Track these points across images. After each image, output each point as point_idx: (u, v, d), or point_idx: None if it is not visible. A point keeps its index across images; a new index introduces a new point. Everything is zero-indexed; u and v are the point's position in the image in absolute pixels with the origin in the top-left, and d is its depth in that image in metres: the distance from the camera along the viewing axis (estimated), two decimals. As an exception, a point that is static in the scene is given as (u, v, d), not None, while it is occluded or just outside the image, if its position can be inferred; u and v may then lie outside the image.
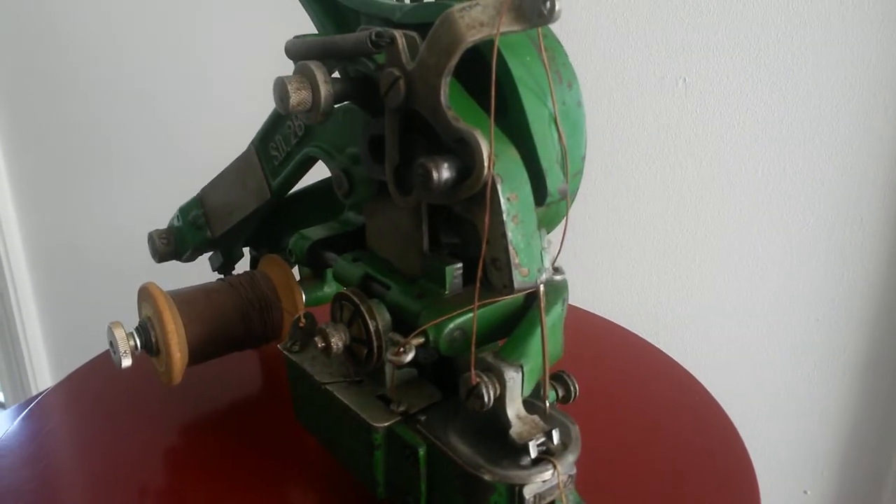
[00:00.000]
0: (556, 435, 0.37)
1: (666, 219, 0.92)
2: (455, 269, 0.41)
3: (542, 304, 0.35)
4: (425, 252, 0.42)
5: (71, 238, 1.28)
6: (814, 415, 0.95)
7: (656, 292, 0.96)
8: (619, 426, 0.57)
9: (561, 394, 0.45)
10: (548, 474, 0.36)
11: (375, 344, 0.40)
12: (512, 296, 0.36)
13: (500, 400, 0.37)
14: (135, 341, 0.54)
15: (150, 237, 0.65)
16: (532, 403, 0.40)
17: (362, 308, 0.40)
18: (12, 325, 1.30)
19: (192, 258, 0.65)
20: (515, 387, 0.37)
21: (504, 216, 0.33)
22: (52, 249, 1.31)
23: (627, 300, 0.97)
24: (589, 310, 0.74)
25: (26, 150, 1.27)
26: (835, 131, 0.83)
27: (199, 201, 0.61)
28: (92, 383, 0.63)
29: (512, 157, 0.35)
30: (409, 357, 0.38)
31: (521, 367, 0.37)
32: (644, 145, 0.91)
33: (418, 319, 0.40)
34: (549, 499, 0.37)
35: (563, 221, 0.40)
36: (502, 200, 0.33)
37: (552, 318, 0.41)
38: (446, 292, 0.41)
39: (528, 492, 0.36)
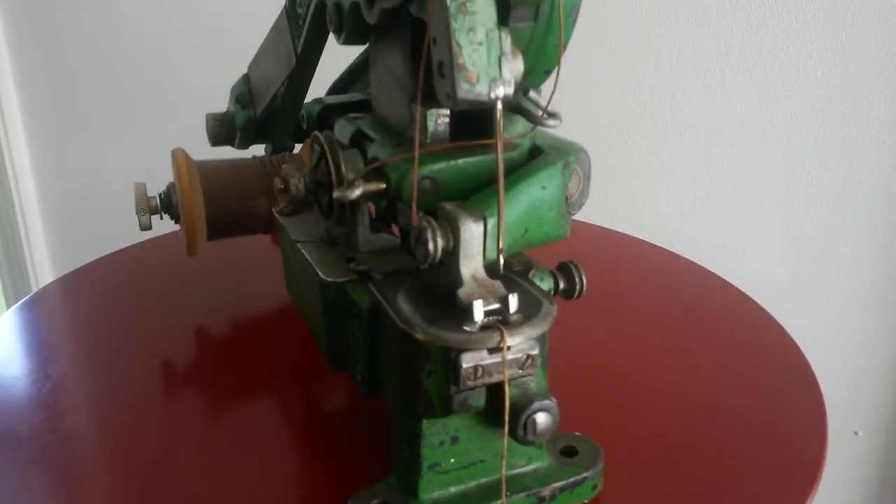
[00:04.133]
0: (513, 302, 0.31)
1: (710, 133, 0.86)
2: (438, 115, 0.35)
3: (498, 126, 0.29)
4: (411, 99, 0.36)
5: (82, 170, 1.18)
6: (867, 349, 0.89)
7: (699, 214, 0.90)
8: (679, 351, 0.50)
9: (563, 286, 0.38)
10: (493, 342, 0.30)
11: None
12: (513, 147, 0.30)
13: (454, 255, 0.31)
14: (156, 203, 0.53)
15: (207, 118, 0.64)
16: (515, 282, 0.34)
17: (325, 146, 0.36)
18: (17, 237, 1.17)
19: (243, 145, 0.64)
20: (473, 241, 0.31)
21: (448, 1, 0.27)
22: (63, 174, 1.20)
23: (668, 223, 0.92)
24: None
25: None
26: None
27: (245, 78, 0.60)
28: (91, 280, 0.61)
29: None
30: (356, 193, 0.33)
31: (484, 219, 0.31)
32: (690, 58, 0.84)
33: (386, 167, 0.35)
34: (494, 376, 0.30)
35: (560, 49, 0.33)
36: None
37: (544, 179, 0.34)
38: (427, 140, 0.36)
39: (467, 360, 0.30)
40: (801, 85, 0.83)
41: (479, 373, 0.30)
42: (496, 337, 0.30)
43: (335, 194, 0.33)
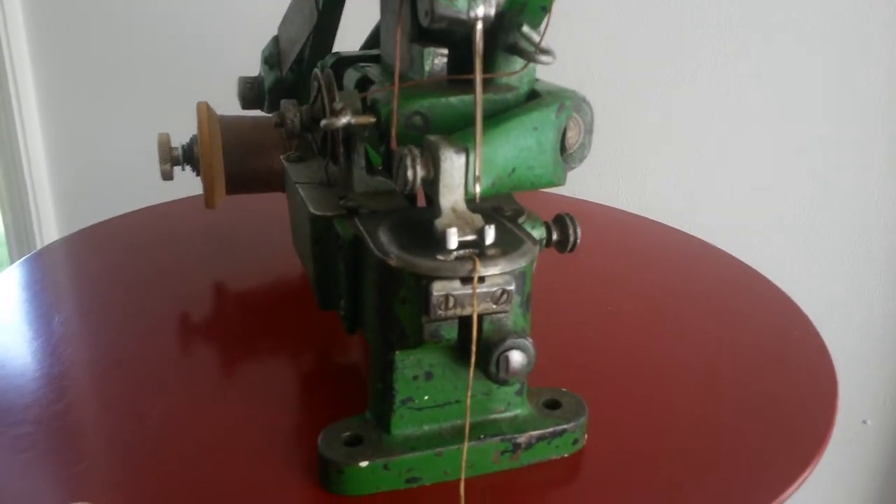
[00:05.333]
0: (489, 233, 0.30)
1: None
2: (435, 54, 0.35)
3: (477, 47, 0.28)
4: (411, 38, 0.36)
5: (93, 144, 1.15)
6: (876, 338, 0.88)
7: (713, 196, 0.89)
8: (696, 330, 0.48)
9: (556, 237, 0.38)
10: (465, 271, 0.29)
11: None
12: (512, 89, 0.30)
13: (434, 185, 0.31)
14: (178, 153, 0.54)
15: (238, 81, 0.65)
16: (499, 221, 0.33)
17: (322, 82, 0.36)
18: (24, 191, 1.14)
19: (272, 108, 0.65)
20: (454, 172, 0.31)
21: (428, -83, 0.27)
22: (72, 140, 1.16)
23: (677, 204, 0.91)
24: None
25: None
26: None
27: (275, 40, 0.60)
28: (106, 236, 0.61)
29: None
30: (342, 121, 0.33)
31: (467, 150, 0.31)
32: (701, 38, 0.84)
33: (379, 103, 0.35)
34: (467, 308, 0.30)
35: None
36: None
37: (536, 120, 0.33)
38: (423, 78, 0.35)
39: (437, 289, 0.29)
40: (822, 62, 0.82)
41: (451, 303, 0.30)
42: (468, 266, 0.29)
43: (322, 122, 0.33)
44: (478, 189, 0.30)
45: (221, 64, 0.87)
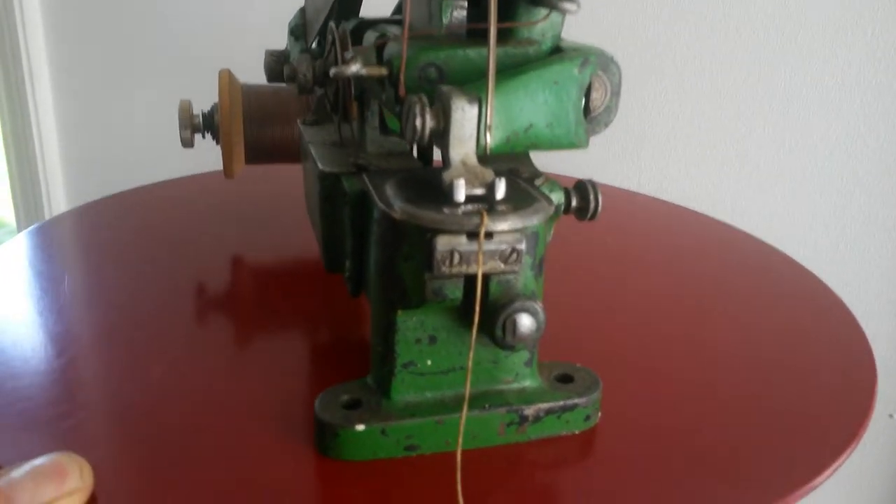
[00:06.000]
0: (500, 188, 0.28)
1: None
2: (454, 5, 0.34)
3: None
4: None
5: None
6: None
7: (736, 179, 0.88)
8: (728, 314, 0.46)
9: (575, 203, 0.36)
10: (471, 225, 0.27)
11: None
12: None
13: (444, 137, 0.29)
14: (199, 120, 0.54)
15: (265, 54, 0.65)
16: (512, 179, 0.31)
17: (335, 35, 0.35)
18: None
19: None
20: (465, 123, 0.29)
21: None
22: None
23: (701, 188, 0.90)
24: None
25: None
26: None
27: (301, 11, 0.60)
28: (111, 209, 0.60)
29: None
30: (351, 69, 0.31)
31: (479, 101, 0.29)
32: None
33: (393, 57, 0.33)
34: (472, 266, 0.28)
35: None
36: None
37: (557, 73, 0.32)
38: (442, 30, 0.34)
39: (442, 243, 0.28)
40: (851, 47, 0.79)
41: (456, 259, 0.28)
42: (475, 220, 0.27)
43: (332, 70, 0.32)
44: (489, 139, 0.29)
45: (247, 37, 0.85)
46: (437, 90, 0.30)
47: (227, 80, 0.53)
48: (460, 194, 0.28)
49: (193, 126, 0.53)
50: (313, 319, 0.44)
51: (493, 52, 0.28)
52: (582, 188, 0.36)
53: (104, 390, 0.36)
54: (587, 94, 0.34)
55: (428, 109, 0.29)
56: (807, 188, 0.87)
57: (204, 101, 0.58)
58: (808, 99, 0.84)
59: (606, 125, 0.36)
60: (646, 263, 0.53)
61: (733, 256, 0.56)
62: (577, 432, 0.33)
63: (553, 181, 0.35)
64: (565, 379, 0.34)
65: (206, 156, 0.61)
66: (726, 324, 0.45)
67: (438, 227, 0.28)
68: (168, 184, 0.65)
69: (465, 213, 0.28)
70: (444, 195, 0.28)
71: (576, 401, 0.32)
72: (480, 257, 0.27)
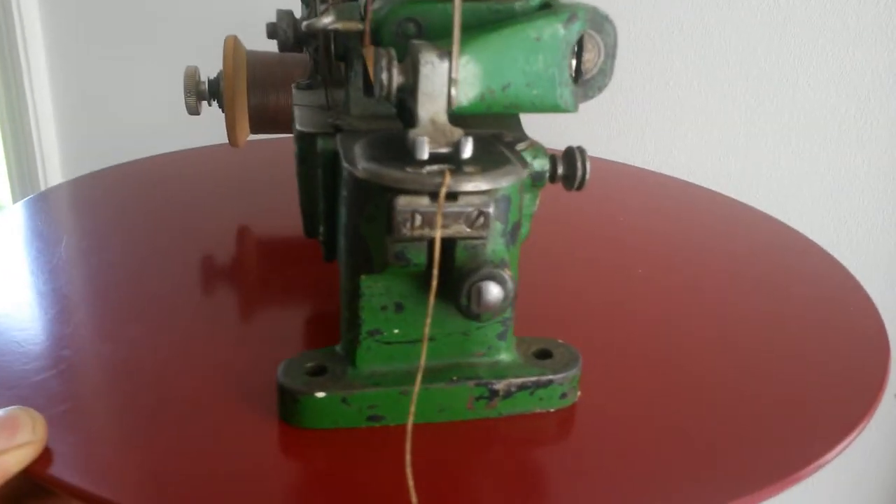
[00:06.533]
0: (466, 146, 0.27)
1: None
2: None
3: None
4: None
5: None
6: None
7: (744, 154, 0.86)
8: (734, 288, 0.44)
9: (562, 170, 0.34)
10: (433, 184, 0.26)
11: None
12: None
13: (412, 93, 0.28)
14: (205, 87, 0.53)
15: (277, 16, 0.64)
16: (486, 140, 0.30)
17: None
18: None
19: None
20: (434, 78, 0.27)
21: None
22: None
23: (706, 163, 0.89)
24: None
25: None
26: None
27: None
28: (110, 179, 0.59)
29: None
30: (324, 21, 0.30)
31: (449, 54, 0.27)
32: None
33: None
34: (435, 228, 0.26)
35: None
36: None
37: (540, 28, 0.30)
38: None
39: (402, 203, 0.26)
40: (860, 17, 0.77)
41: (417, 221, 0.27)
42: (437, 179, 0.26)
43: (304, 23, 0.30)
44: (453, 92, 0.27)
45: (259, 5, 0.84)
46: (409, 44, 0.28)
47: (232, 45, 0.52)
48: (423, 152, 0.26)
49: (199, 93, 0.53)
50: (317, 292, 0.43)
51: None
52: (569, 155, 0.34)
53: (80, 349, 0.36)
54: (579, 56, 0.32)
55: (395, 63, 0.27)
56: (817, 167, 0.85)
57: (213, 69, 0.58)
58: (819, 70, 0.82)
59: (601, 89, 0.34)
60: (655, 242, 0.51)
61: (741, 232, 0.53)
62: (552, 410, 0.31)
63: (539, 147, 0.34)
64: (543, 354, 0.32)
65: (213, 131, 0.61)
66: (738, 299, 0.42)
67: (399, 185, 0.26)
68: (174, 155, 0.65)
69: (430, 173, 0.26)
70: (410, 154, 0.27)
71: (550, 377, 0.31)
72: (440, 218, 0.26)
